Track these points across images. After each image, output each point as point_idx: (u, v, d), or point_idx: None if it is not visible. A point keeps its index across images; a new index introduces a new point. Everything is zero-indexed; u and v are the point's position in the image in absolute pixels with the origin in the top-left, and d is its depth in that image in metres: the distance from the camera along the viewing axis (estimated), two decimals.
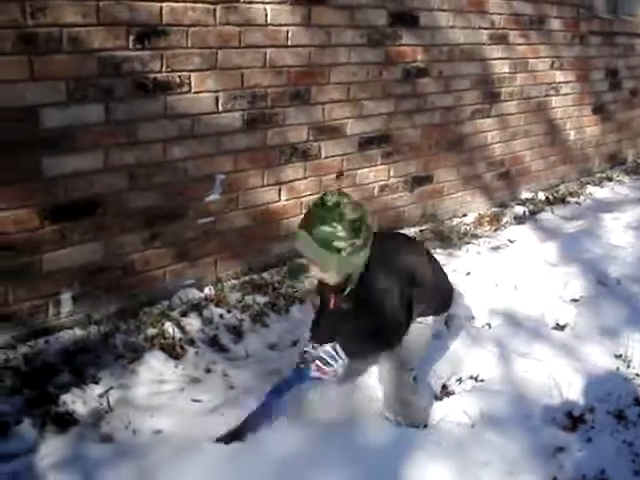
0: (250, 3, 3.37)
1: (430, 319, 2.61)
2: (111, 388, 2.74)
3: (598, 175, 6.54)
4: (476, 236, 4.72)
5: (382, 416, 2.72)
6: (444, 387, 2.98)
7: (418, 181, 4.65)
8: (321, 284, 2.68)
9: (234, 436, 2.52)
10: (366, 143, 4.20)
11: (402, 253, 2.56)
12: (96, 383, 2.77)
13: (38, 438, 2.46)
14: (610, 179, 6.49)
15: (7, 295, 2.90)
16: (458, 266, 4.05)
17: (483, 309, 3.67)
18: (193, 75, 3.24)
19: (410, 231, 4.45)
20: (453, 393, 2.96)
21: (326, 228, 2.31)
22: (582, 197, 5.88)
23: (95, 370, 2.83)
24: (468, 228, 4.82)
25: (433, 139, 4.69)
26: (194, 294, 3.48)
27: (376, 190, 4.36)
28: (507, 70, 5.12)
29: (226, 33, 3.32)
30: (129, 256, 3.26)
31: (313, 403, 2.75)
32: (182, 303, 3.39)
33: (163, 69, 3.13)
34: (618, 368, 3.21)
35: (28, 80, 2.72)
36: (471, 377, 3.06)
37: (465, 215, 5.09)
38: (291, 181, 3.86)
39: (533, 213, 5.33)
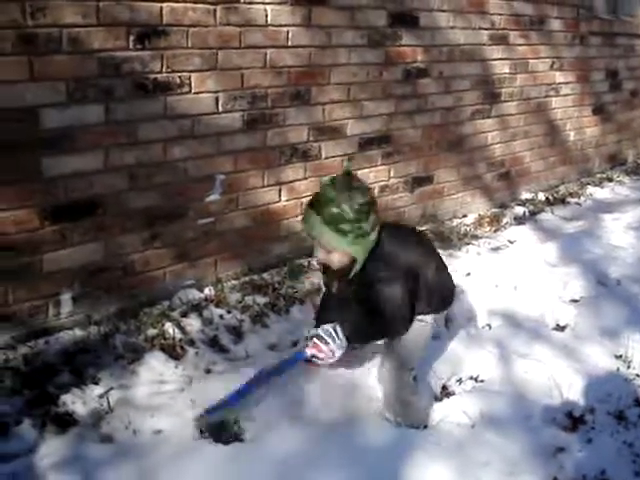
0: (250, 3, 3.37)
1: (430, 318, 2.61)
2: (111, 388, 2.74)
3: (598, 176, 6.54)
4: (476, 237, 4.71)
5: (382, 416, 2.72)
6: (444, 387, 2.98)
7: (418, 181, 4.66)
8: (326, 268, 2.66)
9: (214, 410, 2.56)
10: (366, 143, 4.20)
11: (410, 246, 2.55)
12: (96, 383, 2.76)
13: (38, 438, 2.46)
14: (610, 180, 6.49)
15: (7, 295, 2.90)
16: (458, 267, 4.04)
17: (483, 310, 3.67)
18: (193, 75, 3.24)
19: None
20: (453, 393, 2.96)
21: (334, 209, 2.31)
22: (582, 198, 5.88)
23: (95, 370, 2.83)
24: (468, 229, 4.82)
25: (433, 139, 4.69)
26: (194, 294, 3.48)
27: (376, 190, 4.36)
28: (507, 71, 5.12)
29: (226, 33, 3.32)
30: (129, 256, 3.26)
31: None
32: (182, 303, 3.38)
33: (163, 69, 3.13)
34: (618, 369, 3.21)
35: (28, 80, 2.72)
36: (471, 377, 3.06)
37: (465, 216, 5.09)
38: (291, 181, 3.86)
39: (533, 214, 5.33)
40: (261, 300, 3.51)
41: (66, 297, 3.08)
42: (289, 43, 3.60)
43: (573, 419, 2.82)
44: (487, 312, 3.66)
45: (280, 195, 3.83)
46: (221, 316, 3.33)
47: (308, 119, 3.83)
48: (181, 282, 3.48)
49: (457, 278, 3.75)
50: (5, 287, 2.89)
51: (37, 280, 2.97)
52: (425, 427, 2.72)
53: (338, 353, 2.51)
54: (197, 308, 3.36)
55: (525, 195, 5.66)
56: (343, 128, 4.03)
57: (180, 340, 3.10)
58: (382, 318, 2.46)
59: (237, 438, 2.57)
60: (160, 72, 3.12)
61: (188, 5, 3.13)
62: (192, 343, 3.11)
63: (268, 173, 3.73)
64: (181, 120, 3.26)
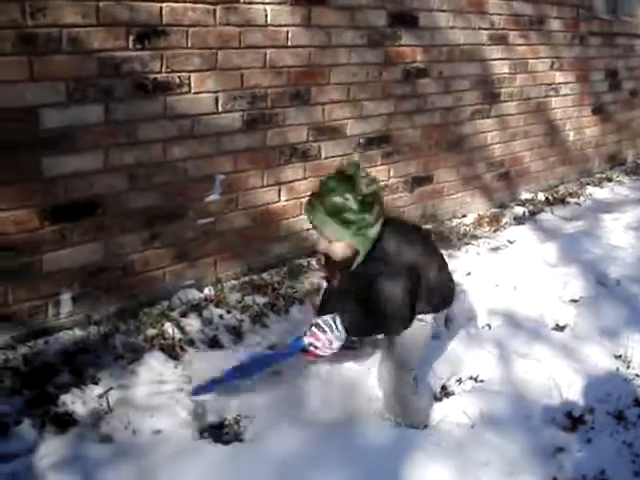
0: (250, 3, 3.37)
1: (430, 317, 2.59)
2: (111, 388, 2.74)
3: (598, 176, 6.55)
4: (476, 237, 4.72)
5: (382, 417, 2.72)
6: (444, 388, 2.99)
7: (418, 181, 4.66)
8: (327, 260, 2.64)
9: (205, 388, 2.61)
10: (366, 143, 4.20)
11: (414, 243, 2.54)
12: (96, 383, 2.76)
13: (38, 438, 2.46)
14: (610, 180, 6.50)
15: (7, 295, 2.90)
16: (458, 267, 4.04)
17: (483, 310, 3.67)
18: (193, 75, 3.24)
19: None
20: (453, 394, 2.96)
21: (338, 199, 2.30)
22: (582, 198, 5.88)
23: (95, 370, 2.83)
24: (468, 229, 4.82)
25: (433, 139, 4.69)
26: (194, 294, 3.48)
27: None
28: (507, 71, 5.12)
29: (226, 33, 3.32)
30: (129, 256, 3.26)
31: None
32: (182, 303, 3.38)
33: (163, 69, 3.13)
34: (618, 369, 3.21)
35: (28, 80, 2.72)
36: (471, 378, 3.06)
37: (465, 216, 5.09)
38: (291, 181, 3.86)
39: (533, 214, 5.33)
40: (261, 300, 3.51)
41: (66, 297, 3.08)
42: (289, 43, 3.60)
43: (573, 419, 2.83)
44: (487, 312, 3.66)
45: (280, 195, 3.83)
46: (221, 316, 3.33)
47: (308, 119, 3.83)
48: (181, 282, 3.48)
49: (457, 278, 3.75)
50: (5, 287, 2.89)
51: (37, 280, 2.97)
52: (425, 427, 2.72)
53: (336, 344, 2.48)
54: (197, 308, 3.36)
55: (525, 195, 5.66)
56: (343, 128, 4.03)
57: (180, 340, 3.09)
58: (382, 313, 2.44)
59: (237, 438, 2.58)
60: (160, 72, 3.12)
61: (188, 5, 3.13)
62: (192, 343, 3.11)
63: (268, 173, 3.73)
64: (181, 120, 3.26)
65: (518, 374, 3.10)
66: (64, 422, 2.55)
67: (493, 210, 5.29)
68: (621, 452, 2.68)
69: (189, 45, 3.19)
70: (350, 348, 2.81)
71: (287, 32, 3.57)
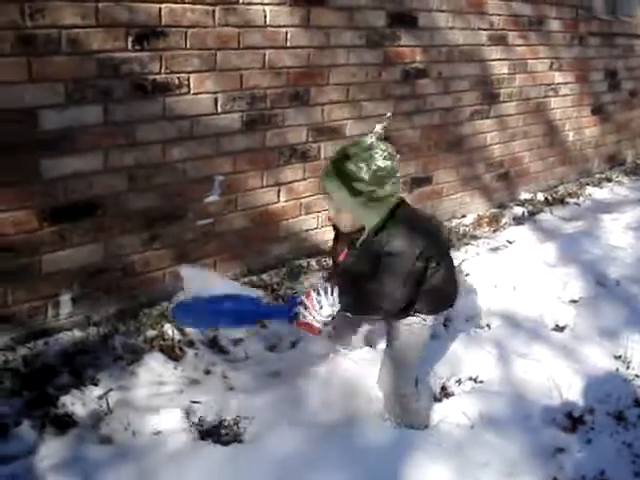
0: (249, 4, 3.37)
1: (431, 318, 2.57)
2: (110, 389, 2.74)
3: (597, 176, 6.55)
4: (475, 237, 4.72)
5: (382, 417, 2.71)
6: (443, 388, 2.98)
7: (417, 182, 4.66)
8: (336, 238, 2.62)
9: (186, 313, 2.61)
10: None
11: (428, 234, 2.47)
12: (95, 385, 2.76)
13: (37, 440, 2.46)
14: (609, 180, 6.50)
15: (6, 296, 2.90)
16: (457, 267, 4.04)
17: (482, 310, 3.67)
18: (192, 76, 3.24)
19: None
20: (452, 394, 2.96)
21: (351, 166, 2.26)
22: (581, 198, 5.89)
23: (94, 372, 2.83)
24: (467, 229, 4.82)
25: (432, 140, 4.69)
26: None
27: None
28: (506, 71, 5.12)
29: (225, 34, 3.32)
30: (129, 257, 3.26)
31: None
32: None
33: (162, 70, 3.13)
34: (618, 369, 3.21)
35: (27, 81, 2.72)
36: (470, 378, 3.06)
37: (464, 216, 5.09)
38: (290, 182, 3.86)
39: (532, 214, 5.33)
40: None
41: (65, 298, 3.08)
42: (288, 44, 3.60)
43: (572, 419, 2.82)
44: (486, 312, 3.66)
45: (279, 196, 3.83)
46: None
47: (307, 120, 3.83)
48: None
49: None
50: (4, 288, 2.89)
51: (36, 281, 2.97)
52: (426, 427, 2.71)
53: (326, 310, 2.42)
54: None
55: (524, 195, 5.66)
56: (342, 128, 4.03)
57: (179, 341, 3.10)
58: (377, 291, 2.38)
59: (236, 439, 2.58)
60: (159, 73, 3.12)
61: (187, 6, 3.14)
62: (191, 344, 3.11)
63: (267, 174, 3.73)
64: (180, 121, 3.26)
65: (518, 374, 3.10)
66: (64, 423, 2.55)
67: (492, 210, 5.29)
68: (621, 452, 2.68)
69: (188, 46, 3.19)
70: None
71: (286, 33, 3.58)
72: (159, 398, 2.75)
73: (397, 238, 2.34)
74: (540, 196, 5.70)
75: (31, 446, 2.43)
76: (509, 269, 4.12)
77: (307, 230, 4.03)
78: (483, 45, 4.84)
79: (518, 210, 5.34)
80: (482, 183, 5.27)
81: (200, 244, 3.52)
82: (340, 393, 2.84)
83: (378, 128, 2.37)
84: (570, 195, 5.90)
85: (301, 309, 2.46)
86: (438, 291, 2.51)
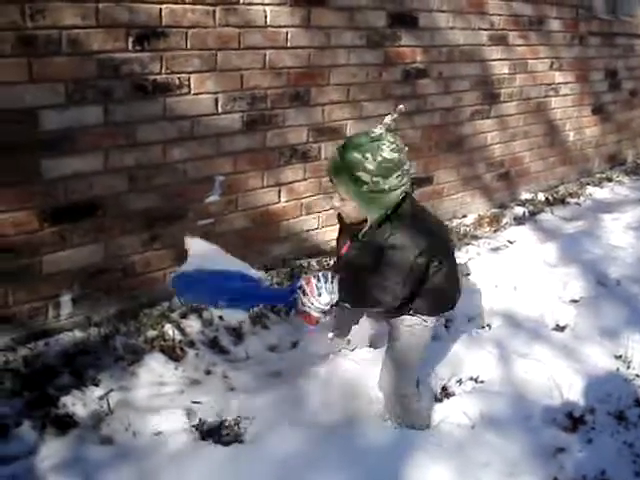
0: (249, 4, 3.37)
1: (431, 319, 2.56)
2: (111, 390, 2.74)
3: (598, 176, 6.55)
4: (476, 237, 4.72)
5: (382, 418, 2.71)
6: (444, 388, 2.98)
7: (418, 182, 4.64)
8: (340, 230, 2.61)
9: (186, 287, 2.59)
10: None
11: (432, 232, 2.45)
12: (96, 385, 2.77)
13: (38, 440, 2.46)
14: (610, 180, 6.49)
15: (7, 297, 2.90)
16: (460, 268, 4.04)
17: (483, 310, 3.67)
18: (192, 76, 3.24)
19: None
20: (453, 394, 2.96)
21: (357, 155, 2.24)
22: (582, 198, 5.88)
23: (95, 372, 2.83)
24: (468, 229, 4.82)
25: (433, 140, 4.69)
26: None
27: None
28: (506, 71, 5.12)
29: (225, 34, 3.32)
30: (129, 258, 3.26)
31: None
32: (182, 305, 3.38)
33: (162, 71, 3.13)
34: (618, 369, 3.21)
35: (27, 82, 2.72)
36: (471, 378, 3.06)
37: (465, 216, 5.09)
38: (291, 182, 3.86)
39: (533, 214, 5.33)
40: None
41: (66, 299, 3.08)
42: (288, 44, 3.60)
43: (573, 419, 2.82)
44: (487, 312, 3.66)
45: (280, 196, 3.83)
46: (221, 317, 3.32)
47: (308, 120, 3.83)
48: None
49: None
50: (5, 289, 2.89)
51: (37, 282, 2.97)
52: (427, 427, 2.71)
53: (325, 298, 2.39)
54: (197, 309, 3.36)
55: (525, 195, 5.66)
56: (343, 129, 4.03)
57: (180, 341, 3.10)
58: (379, 284, 2.36)
59: (237, 439, 2.58)
60: (159, 73, 3.12)
61: (187, 6, 3.13)
62: (192, 344, 3.11)
63: (267, 174, 3.73)
64: (180, 121, 3.26)
65: (518, 374, 3.10)
66: (64, 424, 2.55)
67: (493, 210, 5.29)
68: (622, 452, 2.68)
69: (189, 46, 3.19)
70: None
71: (286, 33, 3.57)
72: (160, 398, 2.75)
73: (400, 232, 2.32)
74: (541, 196, 5.69)
75: (32, 446, 2.43)
76: (510, 269, 4.12)
77: (308, 230, 4.03)
78: (483, 45, 4.83)
79: (519, 210, 5.33)
80: (483, 183, 5.27)
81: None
82: (341, 393, 2.84)
83: (388, 119, 2.33)
84: (571, 195, 5.90)
85: (300, 295, 2.43)
86: (439, 292, 2.50)
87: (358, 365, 2.97)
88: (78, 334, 3.06)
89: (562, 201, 5.71)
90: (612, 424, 2.82)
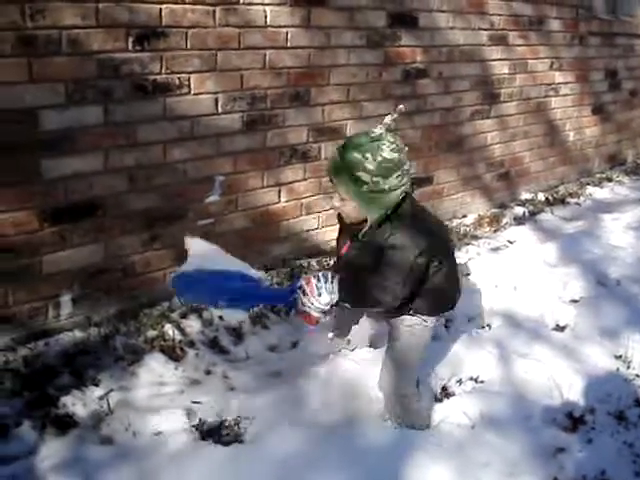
0: (249, 4, 3.37)
1: (431, 320, 2.56)
2: (111, 390, 2.74)
3: (598, 176, 6.55)
4: (476, 237, 4.72)
5: (382, 418, 2.71)
6: (444, 388, 2.98)
7: (418, 182, 4.64)
8: (341, 230, 2.61)
9: (186, 286, 2.60)
10: None
11: (433, 232, 2.44)
12: (96, 385, 2.77)
13: (38, 440, 2.46)
14: (610, 180, 6.50)
15: (7, 297, 2.90)
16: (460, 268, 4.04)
17: (483, 310, 3.67)
18: (193, 76, 3.24)
19: None
20: (453, 394, 2.96)
21: (357, 155, 2.24)
22: (582, 198, 5.89)
23: (95, 372, 2.83)
24: (468, 229, 4.82)
25: (433, 140, 4.69)
26: None
27: None
28: (506, 71, 5.12)
29: (225, 34, 3.32)
30: (129, 258, 3.26)
31: None
32: (182, 305, 3.38)
33: (162, 71, 3.13)
34: (618, 369, 3.21)
35: (27, 82, 2.72)
36: (471, 378, 3.06)
37: (465, 216, 5.09)
38: (291, 182, 3.86)
39: (533, 214, 5.33)
40: None
41: (66, 299, 3.08)
42: (288, 44, 3.60)
43: (573, 419, 2.82)
44: (487, 312, 3.66)
45: (280, 196, 3.83)
46: (221, 317, 3.33)
47: (308, 120, 3.83)
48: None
49: None
50: (5, 289, 2.89)
51: (37, 282, 2.97)
52: (427, 427, 2.71)
53: (324, 298, 2.39)
54: (197, 309, 3.36)
55: (525, 195, 5.66)
56: (343, 129, 4.03)
57: (180, 342, 3.10)
58: (378, 284, 2.35)
59: (237, 439, 2.58)
60: (159, 73, 3.12)
61: (187, 6, 3.13)
62: (192, 344, 3.11)
63: (268, 174, 3.73)
64: (180, 121, 3.26)
65: (518, 374, 3.10)
66: (64, 424, 2.55)
67: (493, 210, 5.29)
68: (622, 452, 2.68)
69: (189, 46, 3.19)
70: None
71: (286, 33, 3.57)
72: (160, 398, 2.75)
73: (400, 232, 2.32)
74: (541, 196, 5.69)
75: (32, 447, 2.43)
76: (510, 269, 4.12)
77: (308, 230, 4.03)
78: (483, 45, 4.83)
79: (519, 210, 5.33)
80: (483, 183, 5.27)
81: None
82: (341, 393, 2.84)
83: (388, 119, 2.33)
84: (571, 195, 5.90)
85: (300, 295, 2.43)
86: (439, 292, 2.50)
87: (358, 365, 2.97)
88: (78, 334, 3.06)
89: (562, 201, 5.72)
90: (612, 424, 2.82)
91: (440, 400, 2.91)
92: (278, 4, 3.48)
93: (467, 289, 3.79)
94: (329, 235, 3.96)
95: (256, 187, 3.69)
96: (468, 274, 4.04)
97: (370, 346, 3.08)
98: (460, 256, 4.30)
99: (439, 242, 2.48)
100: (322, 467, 2.41)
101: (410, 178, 2.35)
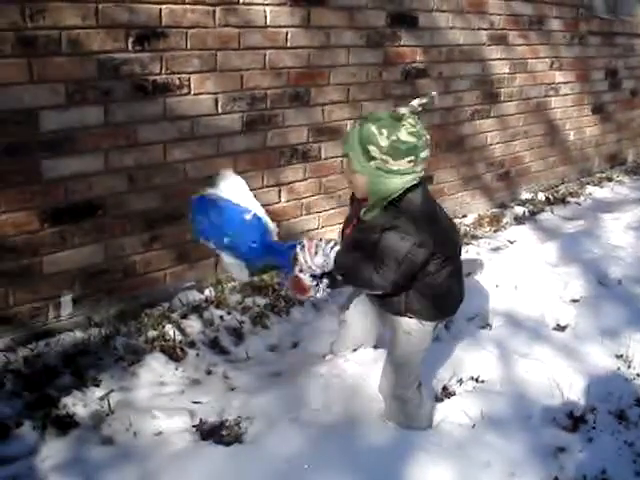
0: (249, 5, 3.37)
1: (430, 324, 2.51)
2: (112, 390, 2.74)
3: (598, 175, 6.55)
4: (476, 237, 4.72)
5: (383, 418, 2.71)
6: (445, 388, 2.98)
7: None
8: (350, 204, 2.59)
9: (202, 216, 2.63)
10: None
11: (442, 231, 2.42)
12: (97, 385, 2.77)
13: (39, 441, 2.46)
14: (610, 179, 6.50)
15: (7, 297, 2.91)
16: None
17: (483, 310, 3.66)
18: (193, 77, 3.24)
19: None
20: (454, 394, 2.96)
21: (373, 129, 2.22)
22: (582, 197, 5.89)
23: (96, 372, 2.83)
24: (468, 229, 4.83)
25: (433, 140, 4.56)
26: (194, 296, 3.48)
27: None
28: (506, 71, 5.12)
29: (225, 35, 3.32)
30: (129, 258, 3.26)
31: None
32: (182, 305, 3.39)
33: (162, 71, 3.13)
34: (619, 368, 3.21)
35: (27, 82, 2.73)
36: (472, 378, 3.06)
37: (465, 216, 5.09)
38: (291, 182, 3.86)
39: (533, 213, 5.33)
40: (261, 301, 3.51)
41: (66, 299, 3.08)
42: (288, 44, 3.60)
43: (574, 419, 2.82)
44: (487, 312, 3.65)
45: (280, 196, 3.83)
46: (221, 317, 3.33)
47: (308, 120, 3.83)
48: (181, 284, 3.48)
49: None
50: (5, 289, 2.89)
51: (37, 282, 2.97)
52: (429, 427, 2.71)
53: (319, 259, 2.40)
54: (197, 309, 3.36)
55: (525, 195, 5.66)
56: (343, 129, 4.03)
57: (180, 342, 3.10)
58: (374, 264, 2.32)
59: (238, 439, 2.57)
60: (159, 74, 3.12)
61: (187, 7, 3.14)
62: (192, 345, 3.11)
63: (268, 174, 3.73)
64: (181, 121, 3.26)
65: (519, 374, 3.10)
66: (65, 424, 2.55)
67: (493, 210, 5.29)
68: (622, 452, 2.68)
69: (189, 46, 3.19)
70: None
71: (286, 33, 3.58)
72: (160, 399, 2.75)
73: (405, 218, 2.28)
74: (541, 196, 5.70)
75: (32, 447, 2.43)
76: (510, 269, 4.12)
77: (308, 230, 4.03)
78: (483, 45, 4.84)
79: (519, 210, 5.34)
80: (483, 183, 5.27)
81: (201, 244, 3.51)
82: (341, 393, 2.83)
83: (416, 102, 2.30)
84: (571, 194, 5.90)
85: (298, 250, 2.44)
86: (441, 294, 2.46)
87: (358, 365, 2.97)
88: (79, 334, 3.06)
89: (562, 201, 5.72)
90: (613, 423, 2.82)
91: (441, 400, 2.91)
92: (278, 4, 3.48)
93: (467, 289, 3.73)
94: (329, 235, 3.96)
95: (256, 187, 3.67)
96: (469, 274, 4.03)
97: (376, 346, 3.06)
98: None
99: (446, 240, 2.44)
100: (323, 467, 2.41)
101: (424, 168, 2.32)
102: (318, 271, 2.44)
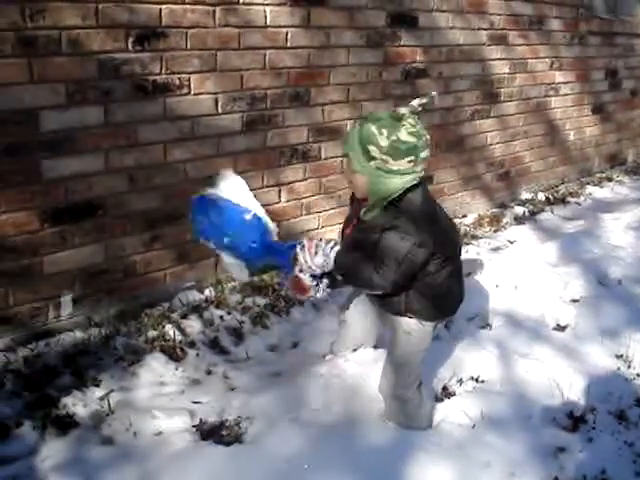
0: (249, 5, 3.37)
1: (430, 324, 2.52)
2: (112, 390, 2.74)
3: (598, 175, 6.55)
4: (476, 237, 4.72)
5: (383, 418, 2.71)
6: (445, 388, 2.98)
7: None
8: (350, 204, 2.59)
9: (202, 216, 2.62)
10: None
11: (442, 231, 2.41)
12: (97, 385, 2.77)
13: (39, 441, 2.46)
14: (610, 179, 6.50)
15: (7, 297, 2.91)
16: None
17: (483, 310, 3.66)
18: (193, 77, 3.24)
19: None
20: (454, 394, 2.96)
21: (373, 129, 2.22)
22: (582, 197, 5.89)
23: (96, 372, 2.83)
24: (468, 229, 4.83)
25: (433, 140, 4.57)
26: (194, 296, 3.48)
27: None
28: (506, 71, 5.12)
29: (225, 35, 3.32)
30: (130, 258, 3.26)
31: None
32: (182, 305, 3.39)
33: (162, 71, 3.13)
34: (619, 368, 3.21)
35: (28, 82, 2.73)
36: (472, 378, 3.06)
37: (465, 216, 5.09)
38: (291, 182, 3.86)
39: (533, 213, 5.33)
40: (261, 301, 3.51)
41: (66, 299, 3.08)
42: (288, 44, 3.60)
43: (574, 419, 2.82)
44: (487, 312, 3.65)
45: (280, 196, 3.83)
46: (221, 317, 3.33)
47: (308, 120, 3.83)
48: (181, 284, 3.49)
49: None
50: (5, 289, 2.89)
51: (37, 282, 2.97)
52: (429, 427, 2.71)
53: (319, 259, 2.40)
54: (197, 309, 3.36)
55: (525, 195, 5.66)
56: (343, 129, 4.03)
57: (180, 342, 3.10)
58: (374, 264, 2.32)
59: (238, 439, 2.58)
60: (159, 74, 3.12)
61: (187, 7, 3.14)
62: (192, 345, 3.11)
63: (268, 174, 3.73)
64: (181, 121, 3.26)
65: (519, 374, 3.10)
66: (65, 424, 2.55)
67: (493, 210, 5.30)
68: (622, 452, 2.68)
69: (189, 46, 3.19)
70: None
71: (286, 33, 3.58)
72: (160, 399, 2.75)
73: (405, 218, 2.28)
74: (541, 195, 5.70)
75: (32, 447, 2.43)
76: (510, 269, 4.12)
77: (308, 230, 4.03)
78: (483, 45, 4.84)
79: (519, 210, 5.34)
80: (483, 183, 5.27)
81: (201, 244, 3.51)
82: (341, 393, 2.83)
83: (416, 102, 2.30)
84: (571, 194, 5.90)
85: (298, 250, 2.44)
86: (441, 294, 2.46)
87: (358, 365, 2.97)
88: (79, 334, 3.06)
89: (562, 201, 5.72)
90: (613, 423, 2.82)
91: (440, 400, 2.91)
92: (278, 4, 3.48)
93: (467, 289, 3.73)
94: (329, 235, 3.96)
95: (256, 187, 3.67)
96: (469, 274, 4.03)
97: (376, 346, 3.06)
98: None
99: (446, 240, 2.44)
100: (322, 467, 2.41)
101: (424, 168, 2.31)
102: (318, 271, 2.44)
